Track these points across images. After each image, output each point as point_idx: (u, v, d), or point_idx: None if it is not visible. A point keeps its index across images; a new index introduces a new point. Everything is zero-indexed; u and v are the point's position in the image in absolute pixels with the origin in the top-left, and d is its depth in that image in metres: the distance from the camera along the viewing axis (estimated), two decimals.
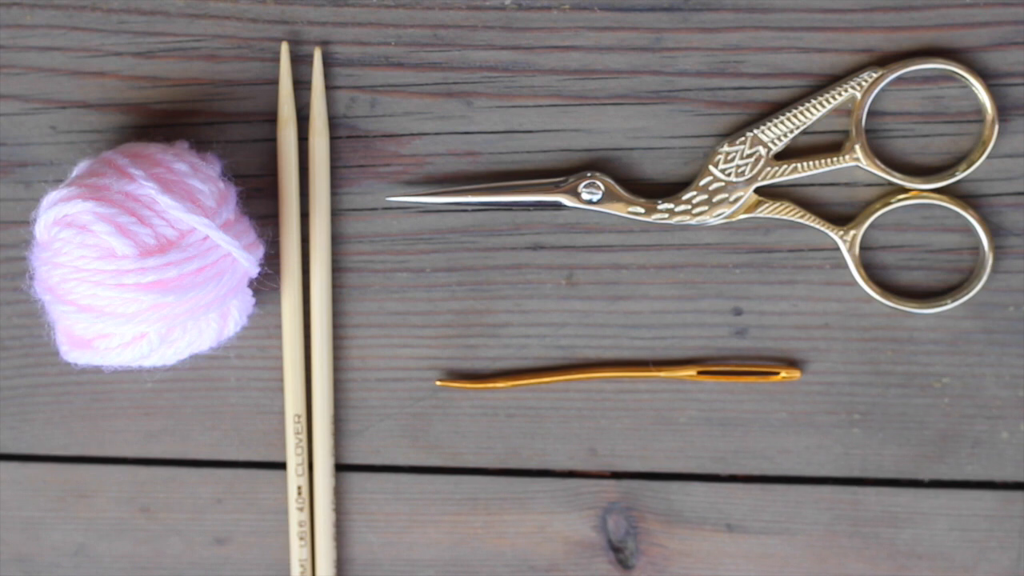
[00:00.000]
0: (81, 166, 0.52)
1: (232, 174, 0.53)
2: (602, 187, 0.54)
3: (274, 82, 0.54)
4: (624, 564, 0.57)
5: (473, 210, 0.55)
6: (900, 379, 0.55)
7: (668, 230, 0.55)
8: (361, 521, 0.57)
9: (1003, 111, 0.54)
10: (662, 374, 0.55)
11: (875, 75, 0.53)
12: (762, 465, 0.56)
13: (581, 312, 0.55)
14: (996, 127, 0.53)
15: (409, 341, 0.56)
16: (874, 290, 0.54)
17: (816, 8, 0.53)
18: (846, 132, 0.54)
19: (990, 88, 0.53)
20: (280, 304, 0.55)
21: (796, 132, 0.54)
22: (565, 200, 0.54)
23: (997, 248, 0.54)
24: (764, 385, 0.56)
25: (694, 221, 0.54)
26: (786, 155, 0.54)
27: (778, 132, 0.54)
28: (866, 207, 0.54)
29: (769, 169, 0.54)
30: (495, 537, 0.57)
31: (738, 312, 0.55)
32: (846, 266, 0.54)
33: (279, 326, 0.55)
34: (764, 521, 0.56)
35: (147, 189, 0.50)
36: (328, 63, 0.54)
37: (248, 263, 0.52)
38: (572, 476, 0.57)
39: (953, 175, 0.54)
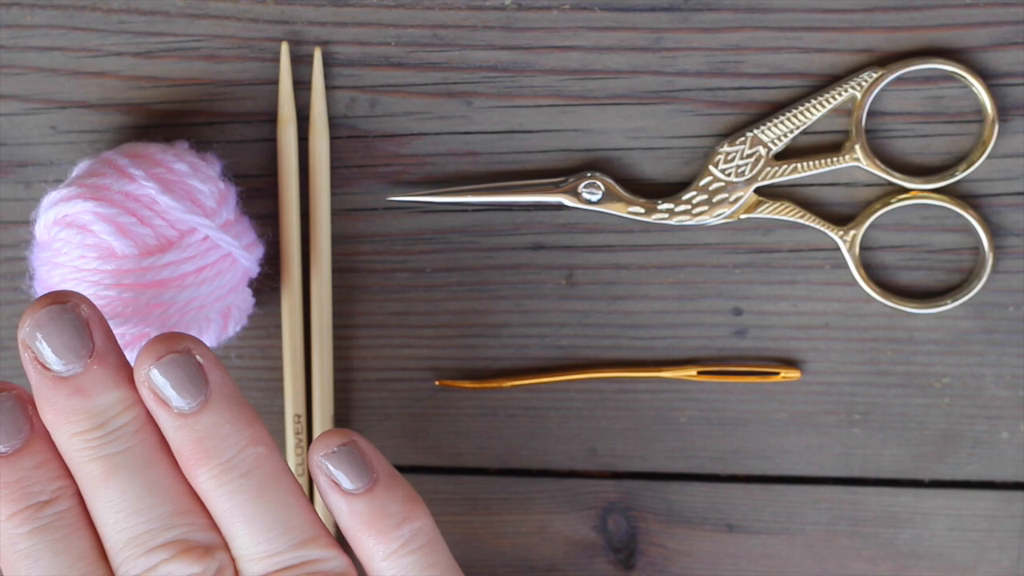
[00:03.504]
0: (81, 166, 0.52)
1: (232, 174, 0.53)
2: (602, 187, 0.54)
3: (274, 82, 0.54)
4: (624, 564, 0.57)
5: (473, 210, 0.55)
6: (900, 379, 0.55)
7: (668, 230, 0.55)
8: None
9: (1003, 111, 0.54)
10: (662, 374, 0.55)
11: (875, 75, 0.53)
12: (762, 465, 0.56)
13: (581, 312, 0.55)
14: (996, 127, 0.53)
15: (409, 341, 0.56)
16: (874, 290, 0.54)
17: (816, 8, 0.53)
18: (846, 132, 0.54)
19: (990, 88, 0.53)
20: (280, 304, 0.55)
21: (796, 132, 0.54)
22: (565, 200, 0.54)
23: (997, 248, 0.54)
24: (764, 385, 0.56)
25: (694, 221, 0.54)
26: (786, 155, 0.54)
27: (778, 132, 0.54)
28: (866, 207, 0.54)
29: (769, 169, 0.54)
30: (495, 537, 0.57)
31: (738, 312, 0.55)
32: (846, 266, 0.54)
33: (279, 326, 0.55)
34: (764, 521, 0.56)
35: (147, 189, 0.50)
36: (328, 63, 0.54)
37: (248, 263, 0.52)
38: (572, 476, 0.57)
39: (953, 175, 0.54)
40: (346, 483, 0.45)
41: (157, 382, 0.44)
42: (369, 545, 0.45)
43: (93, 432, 0.44)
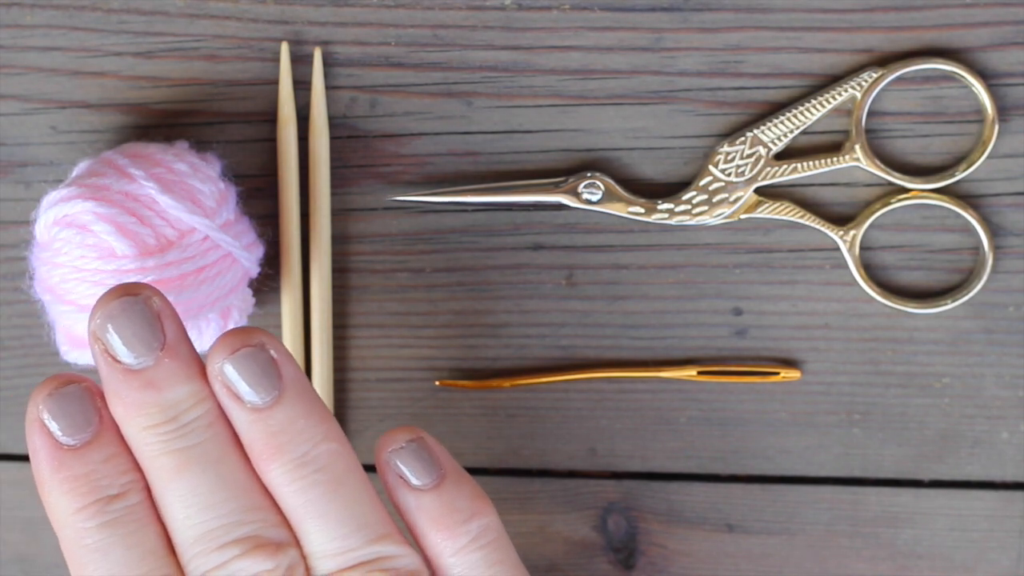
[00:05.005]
0: (81, 166, 0.52)
1: (232, 174, 0.53)
2: (602, 187, 0.54)
3: (274, 82, 0.54)
4: (624, 564, 0.57)
5: (473, 210, 0.55)
6: (900, 379, 0.55)
7: (668, 230, 0.55)
8: None
9: (1003, 111, 0.54)
10: (662, 374, 0.55)
11: (875, 75, 0.53)
12: (762, 465, 0.56)
13: (581, 312, 0.55)
14: (996, 127, 0.53)
15: (409, 341, 0.56)
16: (874, 290, 0.54)
17: (816, 8, 0.53)
18: (846, 132, 0.54)
19: (990, 88, 0.53)
20: (280, 304, 0.55)
21: (796, 132, 0.54)
22: (565, 200, 0.54)
23: (997, 248, 0.54)
24: (764, 385, 0.56)
25: (694, 221, 0.54)
26: (786, 155, 0.54)
27: (778, 132, 0.54)
28: (866, 207, 0.54)
29: (769, 169, 0.54)
30: None
31: (738, 312, 0.55)
32: (846, 266, 0.54)
33: (279, 326, 0.55)
34: (764, 521, 0.56)
35: (147, 189, 0.50)
36: (328, 63, 0.54)
37: (248, 263, 0.52)
38: (572, 476, 0.57)
39: (953, 175, 0.54)
40: (414, 479, 0.45)
41: (231, 376, 0.43)
42: (437, 541, 0.45)
43: (164, 426, 0.43)
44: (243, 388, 0.43)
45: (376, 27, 0.54)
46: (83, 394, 0.44)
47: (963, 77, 0.53)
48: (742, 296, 0.55)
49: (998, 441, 0.56)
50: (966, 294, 0.54)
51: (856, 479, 0.56)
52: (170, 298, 0.50)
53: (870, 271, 0.55)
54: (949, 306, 0.54)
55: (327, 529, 0.44)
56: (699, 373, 0.55)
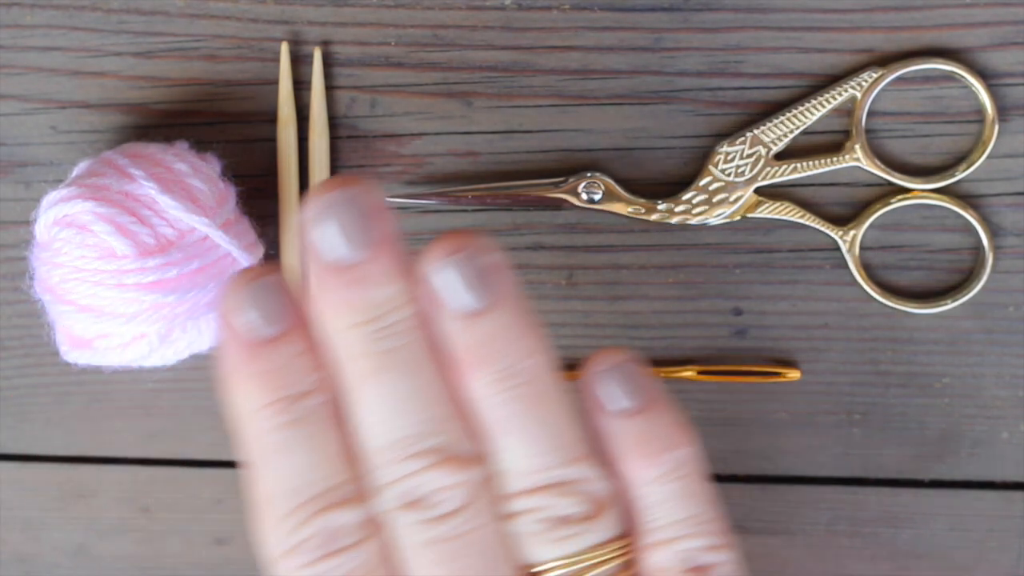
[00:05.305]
0: (81, 166, 0.52)
1: (232, 174, 0.53)
2: (602, 187, 0.54)
3: (274, 82, 0.54)
4: None
5: (473, 210, 0.55)
6: (900, 379, 0.55)
7: (668, 230, 0.55)
8: None
9: (1003, 111, 0.54)
10: (662, 374, 0.55)
11: (875, 75, 0.53)
12: (762, 465, 0.56)
13: (581, 312, 0.55)
14: (996, 127, 0.53)
15: None
16: (874, 290, 0.54)
17: (816, 8, 0.53)
18: (846, 132, 0.54)
19: (990, 88, 0.53)
20: None
21: (796, 132, 0.54)
22: (565, 200, 0.54)
23: (997, 248, 0.54)
24: (764, 385, 0.56)
25: (694, 221, 0.54)
26: (786, 155, 0.54)
27: (778, 132, 0.54)
28: (866, 207, 0.54)
29: (769, 169, 0.54)
30: None
31: (738, 312, 0.55)
32: (846, 266, 0.54)
33: None
34: (764, 521, 0.56)
35: (147, 189, 0.50)
36: (328, 63, 0.54)
37: (248, 263, 0.52)
38: None
39: (953, 175, 0.54)
40: (618, 402, 0.43)
41: (447, 278, 0.40)
42: (636, 467, 0.43)
43: (369, 325, 0.40)
44: (458, 291, 0.41)
45: (376, 27, 0.54)
46: (280, 286, 0.41)
47: (963, 77, 0.53)
48: (742, 296, 0.55)
49: (998, 441, 0.56)
50: (966, 294, 0.54)
51: (856, 479, 0.56)
52: (170, 298, 0.50)
53: (870, 271, 0.55)
54: (949, 306, 0.54)
55: (524, 445, 0.41)
56: (699, 373, 0.55)
